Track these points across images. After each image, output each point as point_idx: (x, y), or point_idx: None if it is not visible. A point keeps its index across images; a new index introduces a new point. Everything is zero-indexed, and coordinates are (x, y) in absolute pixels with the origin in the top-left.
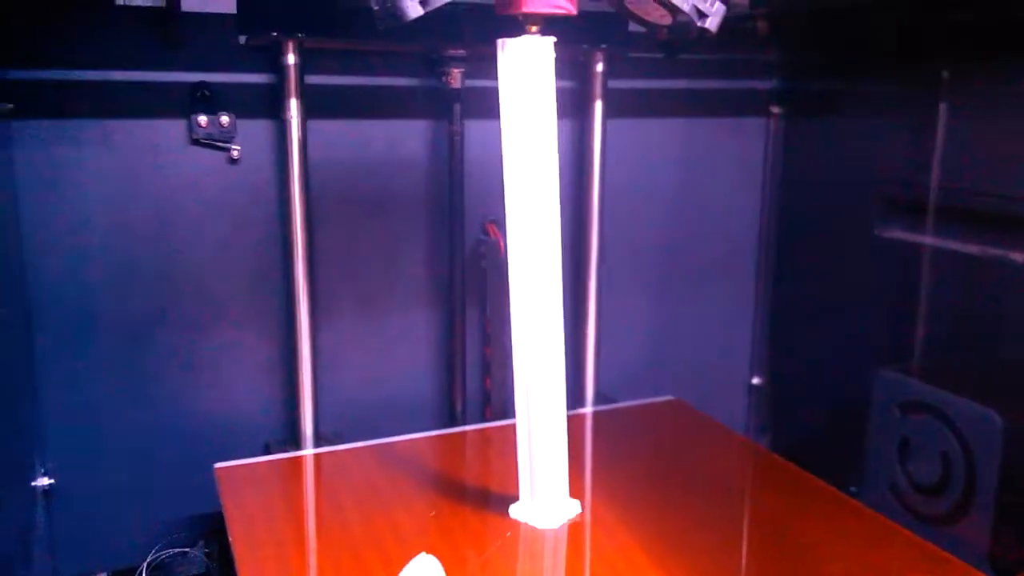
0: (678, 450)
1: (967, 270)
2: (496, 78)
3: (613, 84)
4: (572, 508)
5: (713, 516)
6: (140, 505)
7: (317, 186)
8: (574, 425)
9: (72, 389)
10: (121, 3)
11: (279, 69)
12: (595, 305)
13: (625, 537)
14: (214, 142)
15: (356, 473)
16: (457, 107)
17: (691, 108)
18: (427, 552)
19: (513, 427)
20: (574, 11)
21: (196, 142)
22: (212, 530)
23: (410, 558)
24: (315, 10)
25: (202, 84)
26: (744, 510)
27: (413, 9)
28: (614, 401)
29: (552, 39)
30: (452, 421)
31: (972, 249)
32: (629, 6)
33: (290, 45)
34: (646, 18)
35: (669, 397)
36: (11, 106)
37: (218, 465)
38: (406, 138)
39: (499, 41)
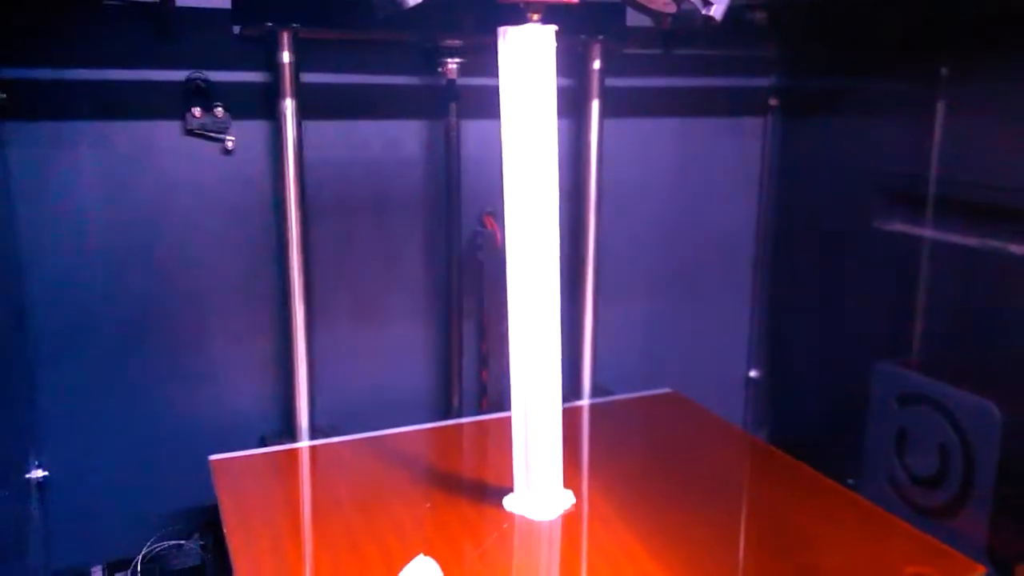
0: (675, 442)
1: (966, 262)
2: (493, 74)
3: (610, 82)
4: (567, 499)
5: (710, 508)
6: (135, 497)
7: (313, 184)
8: (571, 417)
9: (67, 382)
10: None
11: (274, 67)
12: (592, 298)
13: (621, 529)
14: (207, 132)
15: (352, 465)
16: (453, 102)
17: (689, 106)
18: (423, 545)
19: (509, 420)
20: None
21: (190, 132)
22: (207, 522)
23: (406, 550)
24: (310, 0)
25: (197, 76)
26: (741, 502)
27: None
28: (611, 394)
29: (553, 27)
30: (448, 414)
31: (971, 241)
32: None
33: (285, 36)
34: (650, 6)
35: (666, 390)
36: (3, 95)
37: (213, 457)
38: (402, 137)
39: (500, 29)
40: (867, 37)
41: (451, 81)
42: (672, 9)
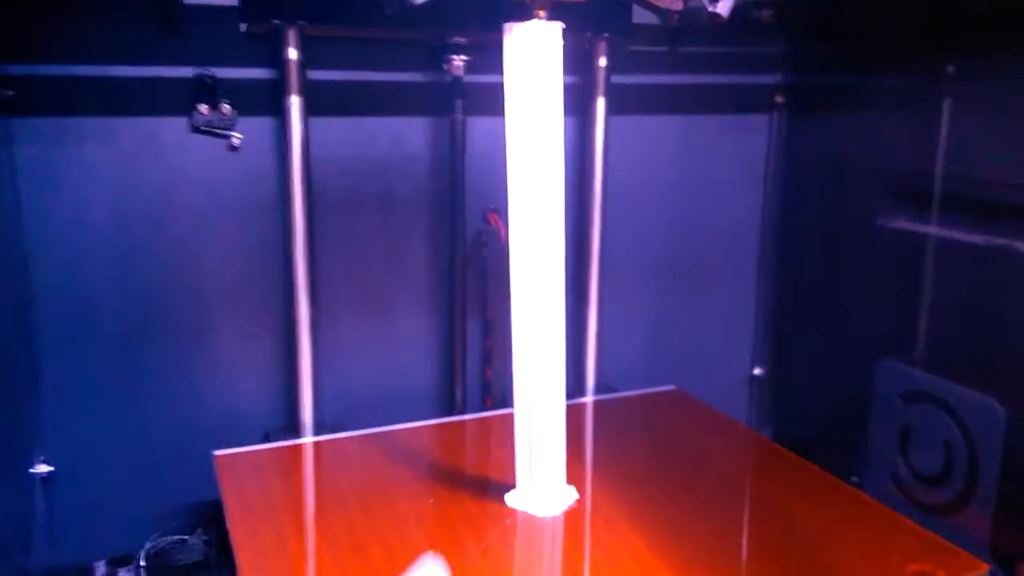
0: (679, 439)
1: (971, 260)
2: (499, 72)
3: (616, 79)
4: (570, 496)
5: (713, 505)
6: (139, 492)
7: (318, 180)
8: (575, 414)
9: (71, 377)
10: None
11: (280, 64)
12: (597, 295)
13: (623, 525)
14: (214, 129)
15: (355, 461)
16: (459, 99)
17: (695, 103)
18: (426, 540)
19: (512, 416)
20: None
21: (196, 129)
22: (211, 518)
23: (409, 546)
24: None
25: (205, 72)
26: (745, 499)
27: None
28: (615, 391)
29: (560, 24)
30: (452, 410)
31: (976, 239)
32: None
33: (291, 33)
34: (657, 3)
35: (670, 387)
36: (10, 92)
37: (217, 453)
38: (408, 134)
39: (506, 25)
40: (873, 34)
41: (457, 78)
42: (679, 6)
